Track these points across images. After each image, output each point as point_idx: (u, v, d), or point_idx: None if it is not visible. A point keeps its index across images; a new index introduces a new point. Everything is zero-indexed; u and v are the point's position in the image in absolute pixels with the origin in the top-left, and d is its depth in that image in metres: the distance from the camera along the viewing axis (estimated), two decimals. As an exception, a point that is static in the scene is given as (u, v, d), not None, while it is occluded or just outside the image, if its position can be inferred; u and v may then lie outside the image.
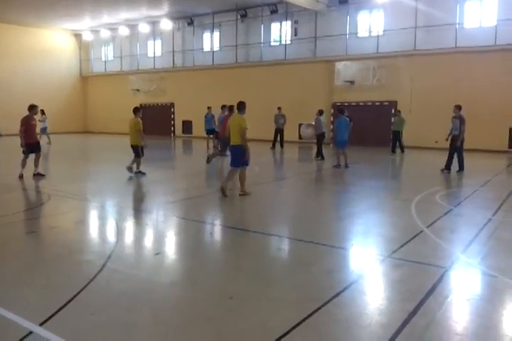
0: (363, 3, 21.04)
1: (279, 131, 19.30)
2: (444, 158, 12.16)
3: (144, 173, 11.31)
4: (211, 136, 18.24)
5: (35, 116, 10.99)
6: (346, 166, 13.04)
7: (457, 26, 19.01)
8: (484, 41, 18.14)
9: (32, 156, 10.72)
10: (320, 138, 15.60)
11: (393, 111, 19.95)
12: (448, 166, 11.91)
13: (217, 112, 16.82)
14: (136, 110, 11.31)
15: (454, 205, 7.97)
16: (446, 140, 12.20)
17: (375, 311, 3.80)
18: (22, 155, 10.61)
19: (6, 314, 3.57)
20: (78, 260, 5.06)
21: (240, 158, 8.36)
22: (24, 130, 10.46)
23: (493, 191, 9.69)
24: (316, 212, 7.85)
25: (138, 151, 11.14)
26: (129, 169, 11.22)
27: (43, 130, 21.06)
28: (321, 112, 15.89)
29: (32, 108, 10.73)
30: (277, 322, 3.52)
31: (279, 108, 19.41)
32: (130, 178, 10.93)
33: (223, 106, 15.45)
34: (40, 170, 10.96)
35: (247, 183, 8.80)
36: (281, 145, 19.27)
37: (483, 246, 5.60)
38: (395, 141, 17.23)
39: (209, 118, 18.16)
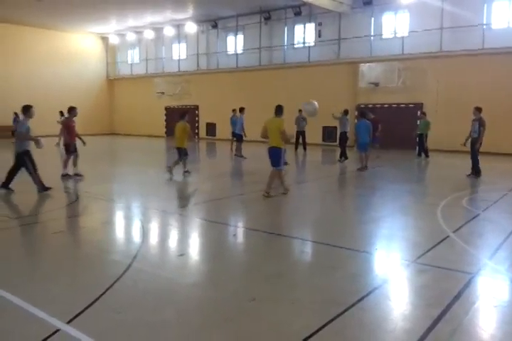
0: (387, 4, 20.81)
1: (300, 134, 19.32)
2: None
3: (189, 172, 11.82)
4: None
5: (74, 118, 11.32)
6: (366, 168, 13.07)
7: (484, 27, 18.62)
8: (513, 42, 17.73)
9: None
10: (343, 136, 15.63)
11: (419, 113, 19.66)
12: (475, 170, 11.67)
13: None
14: (183, 115, 11.91)
15: (481, 210, 7.81)
16: (464, 145, 11.83)
17: (400, 316, 3.76)
18: (61, 156, 10.89)
19: (34, 311, 3.67)
20: (105, 259, 5.16)
21: (279, 159, 8.79)
22: (66, 131, 11.04)
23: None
24: (340, 215, 7.81)
25: (181, 153, 11.67)
26: (169, 170, 11.56)
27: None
28: (346, 112, 15.94)
29: (71, 110, 11.16)
30: (300, 326, 3.51)
31: (300, 110, 19.36)
32: (170, 179, 11.20)
33: (234, 110, 17.10)
34: (70, 170, 11.22)
35: (274, 186, 9.04)
36: (304, 148, 19.24)
37: (511, 253, 5.48)
38: (420, 144, 17.00)
39: (234, 120, 18.30)
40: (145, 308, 3.83)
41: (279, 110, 8.92)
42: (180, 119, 11.81)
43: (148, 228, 6.64)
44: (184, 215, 7.53)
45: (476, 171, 11.65)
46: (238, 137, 17.02)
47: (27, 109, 8.98)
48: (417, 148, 17.25)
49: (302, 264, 5.19)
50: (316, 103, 11.55)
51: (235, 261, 5.24)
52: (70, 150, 11.08)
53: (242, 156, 16.37)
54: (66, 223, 7.13)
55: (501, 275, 4.71)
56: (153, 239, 6.21)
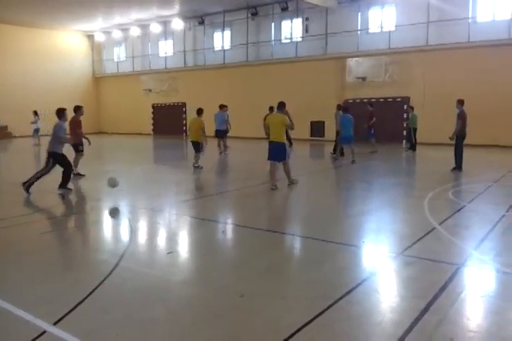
0: (374, -2, 20.88)
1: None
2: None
3: (201, 167, 12.34)
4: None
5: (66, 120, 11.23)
6: (353, 162, 13.32)
7: (470, 20, 18.77)
8: (498, 35, 17.88)
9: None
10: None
11: (405, 107, 19.80)
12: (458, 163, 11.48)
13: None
14: (200, 111, 12.99)
15: (467, 202, 7.89)
16: (451, 139, 11.56)
17: (387, 308, 3.80)
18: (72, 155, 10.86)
19: (20, 313, 3.64)
20: (93, 259, 5.14)
21: (283, 153, 9.17)
22: (72, 130, 10.99)
23: (506, 187, 9.57)
24: (328, 209, 7.84)
25: (198, 147, 12.53)
26: (196, 166, 12.37)
27: (35, 131, 20.96)
28: (339, 107, 15.62)
29: (78, 109, 11.15)
30: (289, 320, 3.54)
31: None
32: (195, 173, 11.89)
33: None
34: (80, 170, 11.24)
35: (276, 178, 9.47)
36: (290, 143, 19.34)
37: (497, 243, 5.56)
38: (409, 138, 17.08)
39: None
40: (133, 306, 3.83)
41: (281, 106, 9.27)
42: (197, 115, 12.94)
43: (137, 226, 6.62)
44: (172, 213, 7.51)
45: (458, 165, 11.47)
46: (218, 133, 16.69)
47: (63, 113, 9.06)
48: (408, 141, 17.36)
49: (291, 259, 5.21)
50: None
51: (224, 257, 5.25)
52: (80, 149, 11.17)
53: (221, 153, 16.35)
54: (54, 223, 7.08)
55: (487, 266, 4.78)
56: (142, 237, 6.19)
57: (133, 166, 13.73)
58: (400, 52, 20.24)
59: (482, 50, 18.24)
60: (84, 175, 11.10)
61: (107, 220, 7.34)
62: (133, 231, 6.25)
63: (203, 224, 6.73)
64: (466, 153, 11.72)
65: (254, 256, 5.19)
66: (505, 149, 17.05)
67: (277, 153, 9.15)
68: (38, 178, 8.76)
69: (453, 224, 6.45)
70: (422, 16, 19.51)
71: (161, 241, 6.04)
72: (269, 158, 9.30)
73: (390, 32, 20.72)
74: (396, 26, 20.58)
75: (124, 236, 6.20)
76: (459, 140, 11.47)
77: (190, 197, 8.84)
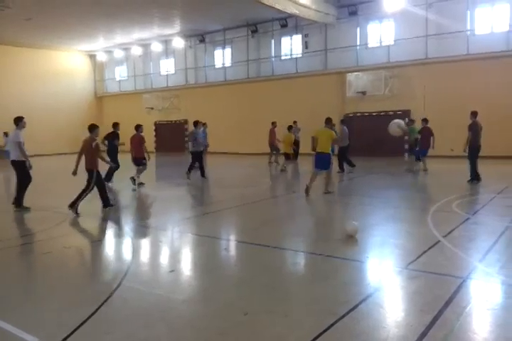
0: (372, 13, 21.14)
1: (296, 143, 19.63)
2: (460, 165, 12.00)
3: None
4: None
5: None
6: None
7: (468, 33, 18.95)
8: (497, 47, 18.04)
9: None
10: (345, 150, 14.79)
11: (406, 120, 19.84)
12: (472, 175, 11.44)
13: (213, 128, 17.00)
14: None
15: (471, 214, 7.85)
16: (464, 151, 11.50)
17: (393, 324, 3.74)
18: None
19: (22, 335, 3.61)
20: (95, 279, 5.11)
21: (328, 162, 10.33)
22: (137, 146, 12.49)
23: (510, 198, 9.51)
24: (331, 224, 7.80)
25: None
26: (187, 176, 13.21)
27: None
28: (343, 122, 15.32)
29: (139, 127, 12.82)
30: (293, 338, 3.49)
31: (294, 122, 19.69)
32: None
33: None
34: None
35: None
36: (296, 157, 19.47)
37: (502, 255, 5.50)
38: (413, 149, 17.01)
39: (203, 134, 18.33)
40: (136, 326, 3.79)
41: (328, 122, 10.56)
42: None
43: (139, 245, 6.60)
44: (174, 230, 7.49)
45: (472, 176, 11.44)
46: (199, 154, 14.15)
47: (20, 120, 9.14)
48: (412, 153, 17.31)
49: (294, 276, 5.16)
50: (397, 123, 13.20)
51: (227, 274, 5.21)
52: (144, 162, 12.48)
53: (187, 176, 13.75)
54: (53, 243, 7.06)
55: (492, 278, 4.72)
56: (144, 256, 6.16)
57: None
58: (399, 66, 20.41)
59: (481, 62, 18.37)
60: (144, 184, 12.50)
61: (108, 239, 7.32)
62: (135, 250, 6.23)
63: (204, 241, 6.70)
64: (464, 164, 11.65)
65: (257, 273, 5.15)
66: (507, 160, 17.01)
67: (324, 162, 10.30)
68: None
69: (457, 236, 6.39)
70: (421, 30, 19.73)
71: (164, 259, 6.01)
72: (316, 167, 10.46)
73: (389, 46, 20.93)
74: (395, 40, 20.80)
75: (127, 255, 6.17)
76: (471, 152, 11.38)
77: (190, 216, 8.82)
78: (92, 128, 8.89)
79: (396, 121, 14.01)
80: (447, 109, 19.02)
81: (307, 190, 10.22)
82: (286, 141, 16.47)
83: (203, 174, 13.77)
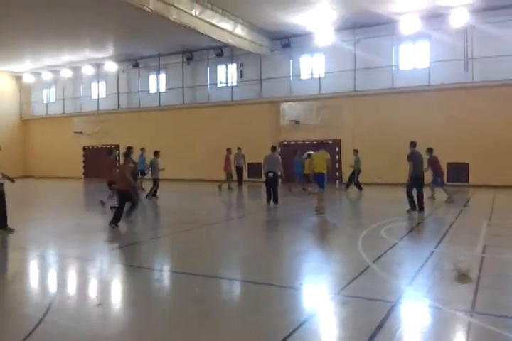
0: (304, 47, 22.09)
1: (239, 170, 19.89)
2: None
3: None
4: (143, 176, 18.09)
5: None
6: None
7: (393, 68, 20.30)
8: (419, 81, 19.44)
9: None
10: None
11: (337, 149, 20.66)
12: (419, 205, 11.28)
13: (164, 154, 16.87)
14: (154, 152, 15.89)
15: (398, 239, 8.16)
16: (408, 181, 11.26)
17: (326, 352, 3.73)
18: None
19: None
20: (14, 314, 4.69)
21: (322, 181, 11.35)
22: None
23: (435, 223, 10.03)
24: (265, 251, 7.78)
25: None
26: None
27: None
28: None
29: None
30: (226, 371, 3.37)
31: (238, 148, 20.26)
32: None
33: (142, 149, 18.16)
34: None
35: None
36: (240, 183, 19.77)
37: (428, 279, 5.73)
38: (351, 179, 17.64)
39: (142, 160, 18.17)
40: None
41: (322, 146, 12.24)
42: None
43: (65, 277, 6.19)
44: (103, 261, 7.13)
45: (419, 206, 11.20)
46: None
47: None
48: (347, 181, 18.00)
49: (228, 305, 5.04)
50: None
51: (159, 306, 4.99)
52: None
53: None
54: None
55: (420, 302, 4.88)
56: (70, 288, 5.78)
57: (60, 213, 13.06)
58: (329, 98, 21.33)
59: (405, 96, 19.67)
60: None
61: (32, 271, 6.81)
62: (59, 283, 5.83)
63: (135, 272, 6.42)
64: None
65: (190, 304, 4.98)
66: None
67: (318, 182, 11.40)
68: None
69: (386, 261, 6.59)
70: (349, 64, 20.88)
71: (91, 292, 5.67)
72: (320, 187, 11.46)
73: (319, 78, 21.86)
74: (325, 73, 21.80)
75: (51, 287, 5.75)
76: (412, 181, 11.21)
77: (119, 245, 8.47)
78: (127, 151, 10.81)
79: None
80: (375, 139, 20.02)
81: (320, 209, 11.19)
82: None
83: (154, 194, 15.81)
